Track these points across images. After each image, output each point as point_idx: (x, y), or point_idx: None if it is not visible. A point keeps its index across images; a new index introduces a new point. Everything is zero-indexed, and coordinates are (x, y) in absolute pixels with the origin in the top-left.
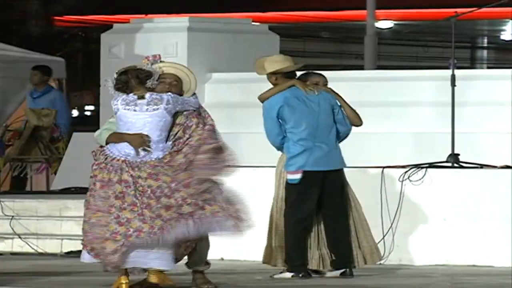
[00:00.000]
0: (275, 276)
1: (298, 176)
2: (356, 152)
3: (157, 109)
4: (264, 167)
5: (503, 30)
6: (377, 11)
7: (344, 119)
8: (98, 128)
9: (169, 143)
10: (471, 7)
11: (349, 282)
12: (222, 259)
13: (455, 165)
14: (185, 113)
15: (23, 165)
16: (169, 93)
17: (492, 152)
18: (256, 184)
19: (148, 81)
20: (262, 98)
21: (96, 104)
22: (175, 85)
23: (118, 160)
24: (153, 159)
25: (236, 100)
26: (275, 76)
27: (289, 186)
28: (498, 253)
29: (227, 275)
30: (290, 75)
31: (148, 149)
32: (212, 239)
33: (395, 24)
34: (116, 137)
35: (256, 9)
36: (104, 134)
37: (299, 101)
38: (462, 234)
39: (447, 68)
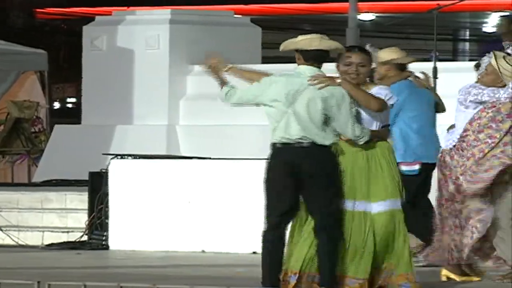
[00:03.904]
0: None
1: (416, 167)
2: None
3: None
4: (247, 160)
5: (485, 22)
6: (359, 3)
7: None
8: (80, 120)
9: None
10: None
11: None
12: (203, 251)
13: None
14: None
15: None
16: None
17: None
18: (239, 175)
19: None
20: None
21: (78, 96)
22: None
23: None
24: None
25: (218, 92)
26: (388, 66)
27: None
28: None
29: (209, 267)
30: (402, 67)
31: None
32: (194, 231)
33: (377, 16)
34: None
35: (238, 2)
36: None
37: (417, 93)
38: None
39: (429, 60)
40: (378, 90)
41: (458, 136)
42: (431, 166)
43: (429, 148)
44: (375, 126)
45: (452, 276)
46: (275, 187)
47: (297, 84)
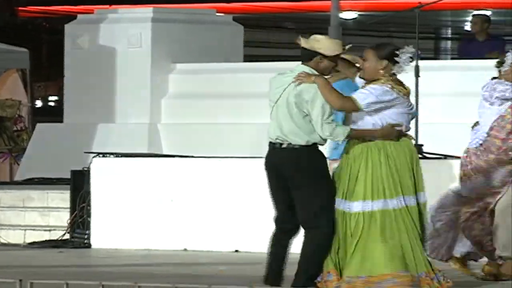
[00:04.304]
0: None
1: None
2: None
3: None
4: (229, 158)
5: (467, 21)
6: (341, 1)
7: None
8: (62, 118)
9: None
10: None
11: None
12: (185, 249)
13: (419, 156)
14: None
15: None
16: None
17: (456, 143)
18: (221, 174)
19: None
20: None
21: (60, 94)
22: None
23: None
24: None
25: (200, 91)
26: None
27: None
28: None
29: (191, 266)
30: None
31: None
32: (176, 229)
33: (359, 14)
34: None
35: (220, 0)
36: None
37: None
38: None
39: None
40: (359, 90)
41: (485, 135)
42: None
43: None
44: (370, 125)
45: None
46: (269, 188)
47: (283, 82)
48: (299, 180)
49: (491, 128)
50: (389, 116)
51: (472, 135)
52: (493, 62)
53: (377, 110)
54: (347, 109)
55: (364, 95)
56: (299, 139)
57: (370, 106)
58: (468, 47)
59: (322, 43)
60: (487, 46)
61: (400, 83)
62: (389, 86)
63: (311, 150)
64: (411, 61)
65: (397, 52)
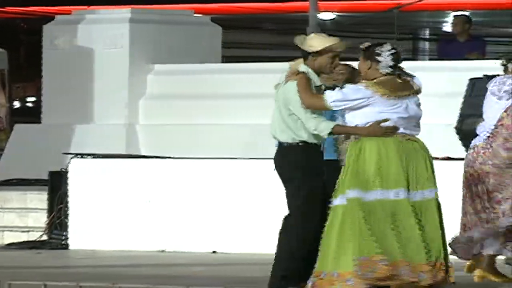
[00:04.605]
0: None
1: None
2: None
3: None
4: (206, 159)
5: (445, 21)
6: (319, 2)
7: None
8: (40, 119)
9: None
10: None
11: None
12: (163, 250)
13: None
14: None
15: None
16: None
17: (435, 143)
18: (199, 175)
19: None
20: None
21: (38, 95)
22: None
23: None
24: None
25: (178, 92)
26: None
27: None
28: None
29: (169, 267)
30: None
31: None
32: (154, 230)
33: (337, 15)
34: None
35: (198, 1)
36: None
37: None
38: None
39: None
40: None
41: (492, 127)
42: None
43: None
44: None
45: (492, 277)
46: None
47: (281, 82)
48: (283, 177)
49: (499, 120)
50: (367, 115)
51: (478, 131)
52: (473, 62)
53: (353, 109)
54: (316, 107)
55: (334, 93)
56: (286, 137)
57: (338, 104)
58: (448, 48)
59: (309, 41)
60: (467, 46)
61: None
62: (363, 85)
63: (300, 148)
64: (393, 58)
65: (378, 51)
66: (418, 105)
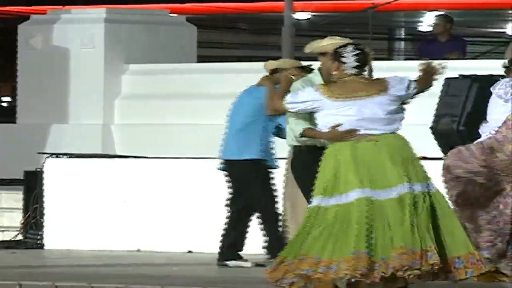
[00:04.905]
0: None
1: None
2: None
3: None
4: (182, 159)
5: (420, 21)
6: (294, 2)
7: None
8: (15, 119)
9: None
10: None
11: None
12: (139, 250)
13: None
14: None
15: None
16: None
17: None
18: (174, 175)
19: None
20: None
21: (13, 95)
22: None
23: None
24: None
25: (153, 91)
26: None
27: None
28: None
29: (144, 266)
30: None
31: None
32: (129, 230)
33: (312, 15)
34: None
35: (173, 0)
36: None
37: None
38: None
39: None
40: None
41: (496, 128)
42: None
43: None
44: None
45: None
46: None
47: None
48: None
49: (504, 122)
50: (320, 118)
51: (481, 131)
52: (450, 62)
53: (307, 111)
54: (276, 109)
55: (289, 95)
56: (289, 139)
57: (292, 106)
58: (429, 48)
59: (311, 46)
60: (448, 46)
61: (348, 85)
62: (315, 87)
63: (299, 151)
64: (357, 58)
65: (342, 53)
66: (385, 104)
